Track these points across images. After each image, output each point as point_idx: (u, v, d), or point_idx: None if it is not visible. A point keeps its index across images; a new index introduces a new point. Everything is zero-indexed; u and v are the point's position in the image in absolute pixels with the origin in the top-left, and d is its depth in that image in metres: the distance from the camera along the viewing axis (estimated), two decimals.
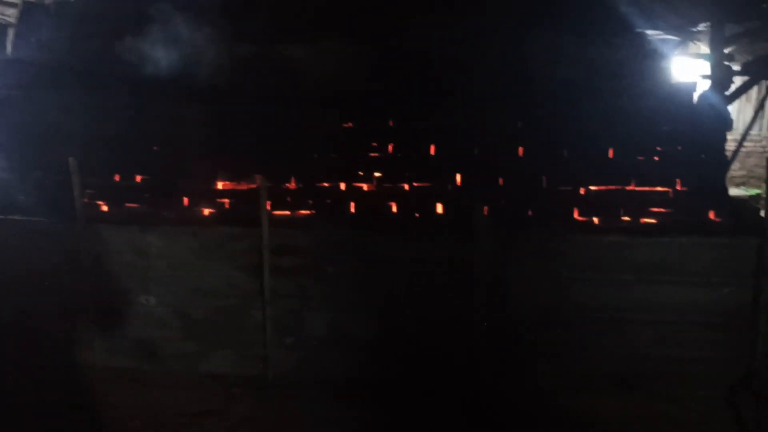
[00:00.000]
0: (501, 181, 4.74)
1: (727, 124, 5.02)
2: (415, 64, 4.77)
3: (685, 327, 4.32)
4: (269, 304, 4.45)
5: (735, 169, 11.53)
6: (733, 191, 11.31)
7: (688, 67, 10.35)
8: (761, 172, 11.45)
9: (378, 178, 4.78)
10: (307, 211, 4.75)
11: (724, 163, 4.94)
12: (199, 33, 4.85)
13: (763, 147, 11.75)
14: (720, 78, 6.17)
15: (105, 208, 4.82)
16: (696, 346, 4.33)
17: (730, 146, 7.80)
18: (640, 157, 4.74)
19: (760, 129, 11.81)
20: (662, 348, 4.35)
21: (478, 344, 4.38)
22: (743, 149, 11.25)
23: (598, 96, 4.71)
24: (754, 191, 10.94)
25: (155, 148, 4.79)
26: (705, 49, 9.94)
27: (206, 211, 4.77)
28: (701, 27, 8.93)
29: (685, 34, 9.40)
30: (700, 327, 4.31)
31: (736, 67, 7.42)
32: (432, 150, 4.81)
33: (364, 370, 4.49)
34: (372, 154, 4.80)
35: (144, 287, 4.50)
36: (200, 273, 4.49)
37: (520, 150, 4.78)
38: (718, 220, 4.61)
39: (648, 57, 5.26)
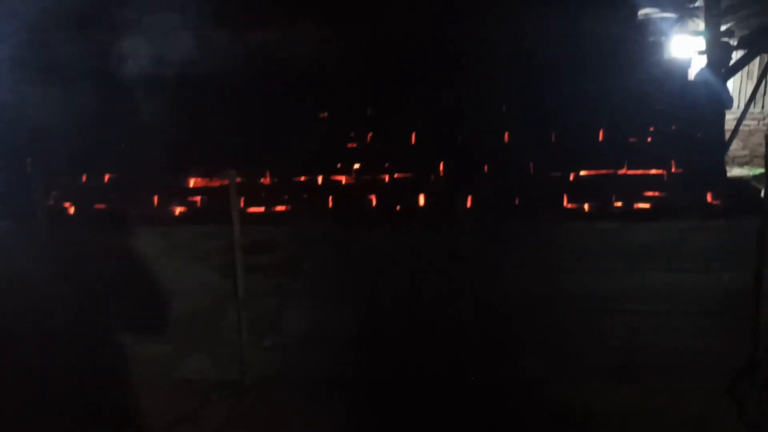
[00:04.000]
0: (486, 168, 4.51)
1: (724, 101, 4.77)
2: (393, 47, 4.56)
3: (683, 316, 4.12)
4: (244, 305, 4.26)
5: (738, 149, 11.25)
6: (736, 171, 11.04)
7: (686, 45, 10.07)
8: (764, 150, 11.14)
9: (357, 169, 4.57)
10: (283, 207, 4.54)
11: (722, 142, 4.69)
12: (167, 21, 4.64)
13: (767, 125, 11.44)
14: (716, 54, 5.91)
15: (71, 209, 4.62)
16: (696, 336, 4.13)
17: (730, 125, 7.56)
18: (632, 139, 4.51)
19: (763, 107, 11.50)
20: (660, 338, 4.16)
21: (466, 338, 4.18)
22: (746, 127, 10.98)
23: (588, 75, 4.50)
24: (757, 171, 10.66)
25: (122, 144, 4.57)
26: (703, 25, 9.66)
27: (177, 210, 4.56)
28: (699, 3, 8.66)
29: (683, 10, 9.13)
30: (699, 315, 4.11)
31: (734, 43, 7.17)
32: (413, 138, 4.59)
33: (347, 368, 4.31)
34: (350, 145, 4.59)
35: (113, 290, 4.30)
36: (172, 274, 4.28)
37: (506, 135, 4.55)
38: (716, 202, 4.39)
39: (641, 33, 5.04)
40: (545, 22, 4.65)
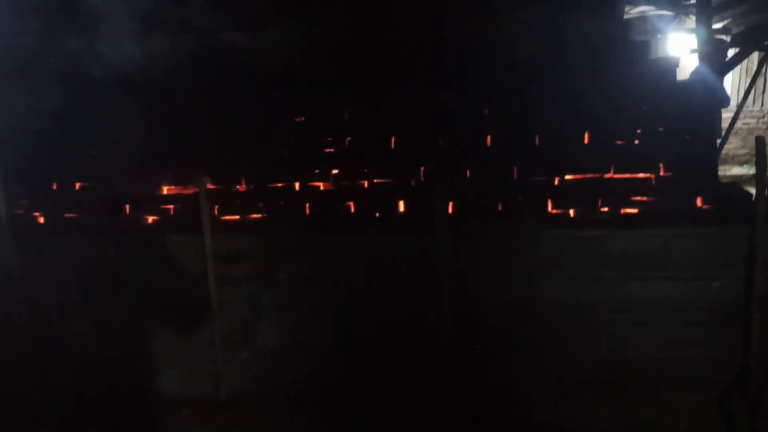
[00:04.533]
0: (468, 172, 4.36)
1: (716, 101, 4.60)
2: (370, 48, 4.40)
3: (671, 326, 3.95)
4: (218, 317, 4.12)
5: (737, 147, 11.07)
6: (736, 170, 10.86)
7: (682, 43, 9.91)
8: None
9: (335, 175, 4.42)
10: (259, 215, 4.39)
11: (713, 144, 4.52)
12: (138, 24, 4.50)
13: (766, 123, 11.24)
14: (710, 52, 5.74)
15: (41, 218, 4.49)
16: (684, 347, 3.95)
17: (725, 123, 7.39)
18: (620, 142, 4.35)
19: (762, 104, 11.29)
20: (648, 349, 3.99)
21: (446, 349, 4.03)
22: (745, 126, 10.80)
23: (574, 75, 4.32)
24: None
25: (93, 151, 4.43)
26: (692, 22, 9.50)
27: (149, 218, 4.42)
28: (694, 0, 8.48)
29: (679, 8, 8.95)
30: (688, 325, 3.94)
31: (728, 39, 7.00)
32: (393, 142, 4.44)
33: (326, 381, 4.16)
34: (327, 150, 4.43)
35: (81, 302, 4.17)
36: (143, 285, 4.15)
37: (489, 138, 4.39)
38: (705, 207, 4.22)
39: (629, 31, 4.88)
40: (529, 21, 4.51)
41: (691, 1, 8.60)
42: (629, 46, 4.63)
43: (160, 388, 4.22)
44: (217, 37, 4.45)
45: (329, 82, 4.35)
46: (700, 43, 5.66)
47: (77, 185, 4.51)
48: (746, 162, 11.22)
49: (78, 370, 4.24)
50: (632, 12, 9.15)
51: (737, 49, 6.45)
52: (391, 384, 4.06)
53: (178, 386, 4.22)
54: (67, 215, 4.46)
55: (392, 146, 4.42)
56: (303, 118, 4.43)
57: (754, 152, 10.15)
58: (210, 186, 4.20)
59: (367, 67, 4.36)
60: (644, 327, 3.97)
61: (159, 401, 4.15)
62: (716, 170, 4.45)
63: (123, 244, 4.20)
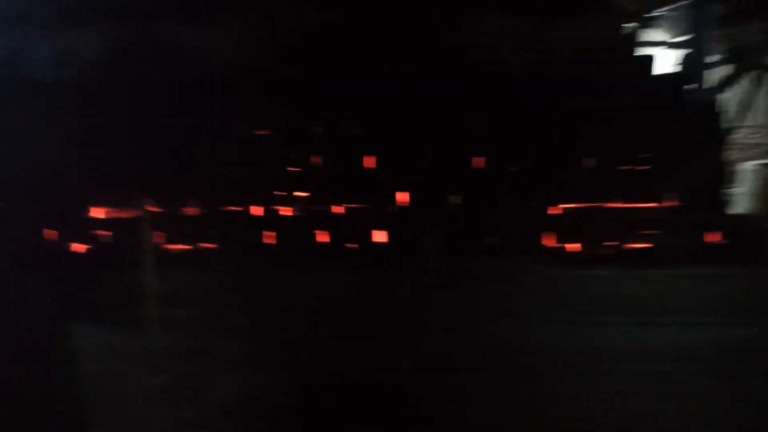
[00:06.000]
0: (455, 200, 3.92)
1: (721, 122, 4.30)
2: (342, 55, 3.97)
3: (686, 378, 3.56)
4: (160, 368, 3.50)
5: None
6: None
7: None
8: None
9: (302, 199, 3.90)
10: (211, 245, 3.81)
11: (722, 169, 4.19)
12: (66, 15, 3.86)
13: (740, 141, 11.28)
14: (700, 69, 5.45)
15: None
16: (700, 400, 3.57)
17: None
18: (623, 167, 3.97)
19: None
20: (658, 404, 3.58)
21: (430, 399, 3.53)
22: None
23: (570, 93, 4.01)
24: None
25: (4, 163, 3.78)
26: (661, 36, 9.38)
27: (76, 247, 3.77)
28: (656, 13, 8.34)
29: (640, 20, 8.82)
30: (704, 377, 3.55)
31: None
32: (371, 162, 3.94)
33: None
34: (293, 169, 3.91)
35: None
36: (66, 330, 3.50)
37: (478, 160, 3.94)
38: (717, 241, 3.86)
39: (629, 43, 4.56)
40: (522, 34, 4.21)
41: (656, 14, 8.45)
42: (631, 62, 4.30)
43: None
44: (159, 30, 3.85)
45: (297, 90, 3.81)
46: (693, 58, 5.35)
47: None
48: None
49: None
50: None
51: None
52: None
53: None
54: None
55: (370, 167, 3.92)
56: (265, 131, 3.88)
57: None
58: (152, 209, 3.60)
59: (341, 76, 3.87)
60: (655, 379, 3.57)
61: None
62: (725, 201, 4.10)
63: (42, 278, 3.53)
